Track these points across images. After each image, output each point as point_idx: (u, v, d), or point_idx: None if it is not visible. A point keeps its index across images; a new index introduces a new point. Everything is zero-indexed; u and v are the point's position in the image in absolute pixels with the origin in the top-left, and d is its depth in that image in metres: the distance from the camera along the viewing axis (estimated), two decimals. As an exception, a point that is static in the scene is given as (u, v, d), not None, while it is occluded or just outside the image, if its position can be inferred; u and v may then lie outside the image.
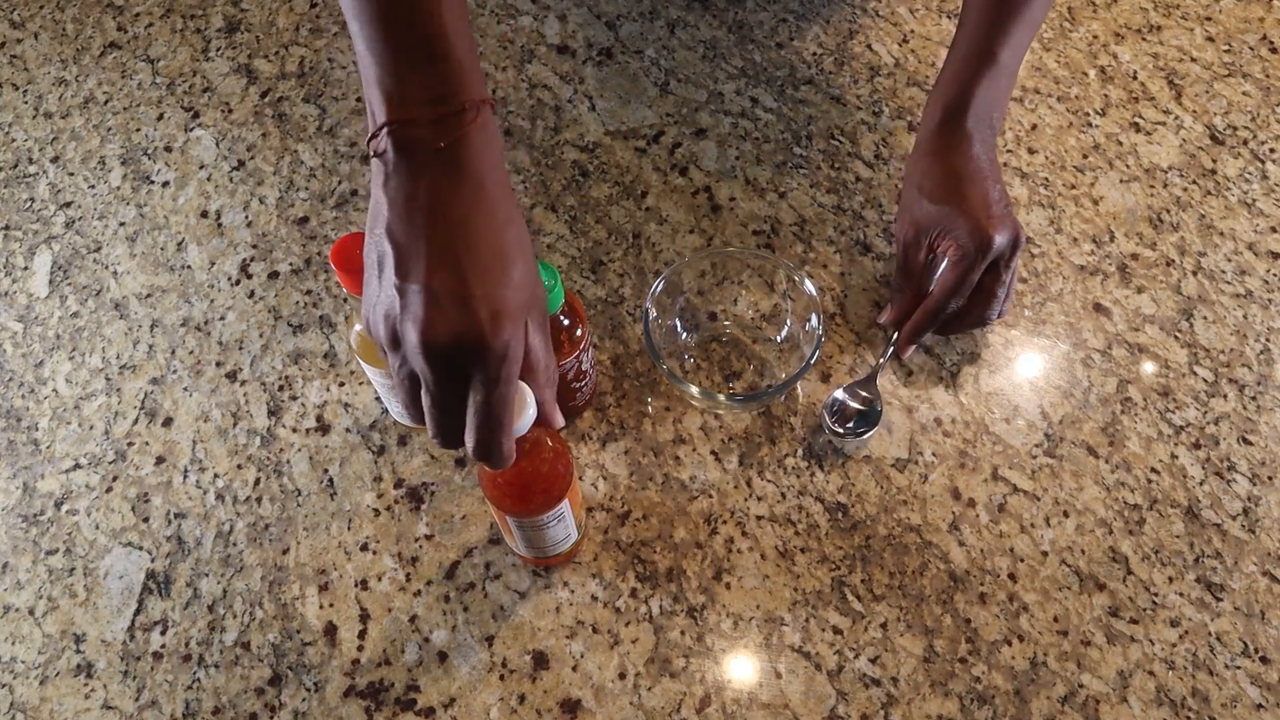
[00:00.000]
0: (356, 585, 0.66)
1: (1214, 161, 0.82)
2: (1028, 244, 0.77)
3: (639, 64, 0.88)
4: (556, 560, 0.64)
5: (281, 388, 0.73)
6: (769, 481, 0.68)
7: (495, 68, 0.88)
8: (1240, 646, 0.63)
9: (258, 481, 0.70)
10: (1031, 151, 0.82)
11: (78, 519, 0.69)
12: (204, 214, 0.82)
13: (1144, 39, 0.89)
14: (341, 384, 0.73)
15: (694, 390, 0.65)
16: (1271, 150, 0.82)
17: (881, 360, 0.71)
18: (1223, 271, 0.76)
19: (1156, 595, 0.65)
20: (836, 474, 0.69)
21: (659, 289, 0.68)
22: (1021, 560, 0.66)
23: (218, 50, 0.91)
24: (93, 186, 0.84)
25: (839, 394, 0.70)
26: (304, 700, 0.63)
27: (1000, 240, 0.65)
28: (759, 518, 0.67)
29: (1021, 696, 0.62)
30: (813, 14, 0.91)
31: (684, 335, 0.73)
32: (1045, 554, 0.66)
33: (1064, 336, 0.74)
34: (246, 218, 0.81)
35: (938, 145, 0.70)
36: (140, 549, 0.68)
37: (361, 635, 0.64)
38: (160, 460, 0.71)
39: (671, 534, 0.67)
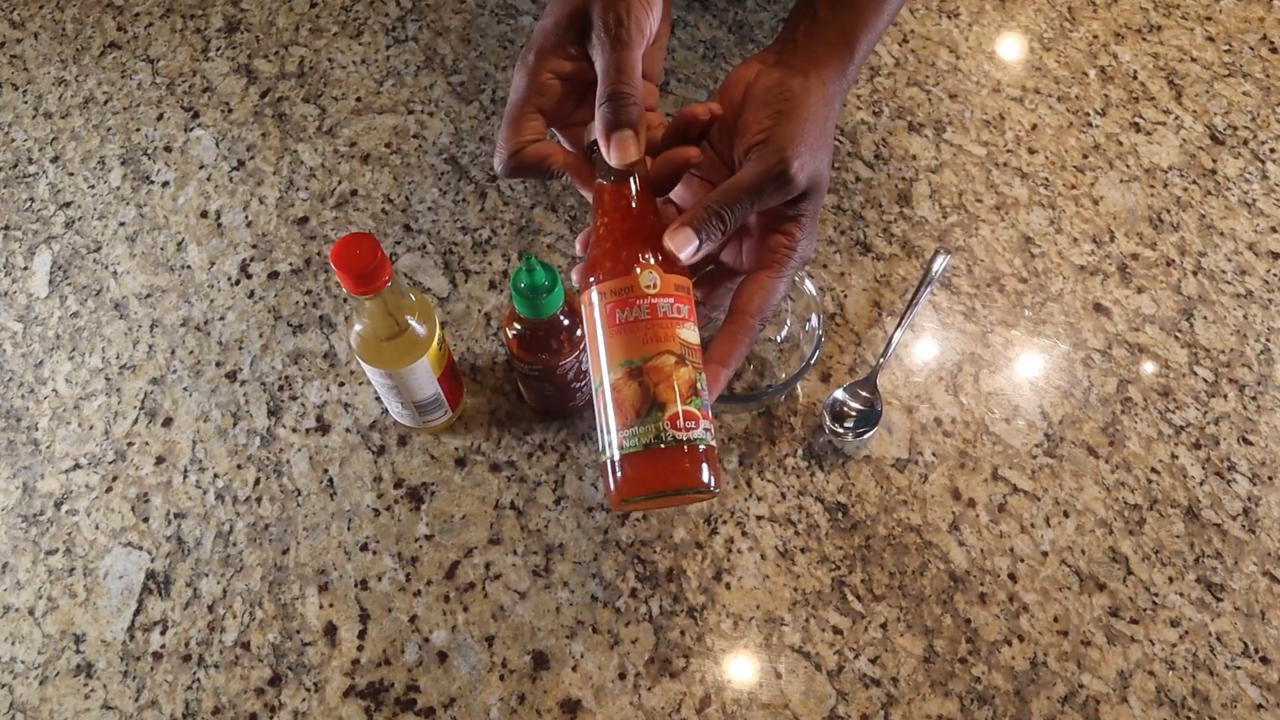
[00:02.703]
0: (356, 585, 0.66)
1: (1214, 161, 0.82)
2: (1027, 244, 0.77)
3: (639, 64, 0.88)
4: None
5: (281, 388, 0.73)
6: (769, 481, 0.68)
7: (495, 68, 0.88)
8: (1240, 647, 0.63)
9: (258, 481, 0.70)
10: (1031, 151, 0.82)
11: (78, 519, 0.69)
12: (204, 214, 0.82)
13: (1144, 39, 0.89)
14: (341, 384, 0.73)
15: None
16: (1271, 150, 0.82)
17: (881, 360, 0.71)
18: (1223, 271, 0.76)
19: (1156, 595, 0.65)
20: (836, 474, 0.69)
21: (659, 289, 0.68)
22: (1021, 560, 0.66)
23: (218, 50, 0.91)
24: (92, 186, 0.84)
25: (839, 394, 0.70)
26: (304, 700, 0.63)
27: (801, 179, 0.52)
28: (759, 518, 0.67)
29: (1021, 696, 0.62)
30: (813, 14, 0.91)
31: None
32: (1045, 554, 0.66)
33: (1064, 336, 0.74)
34: (246, 218, 0.81)
35: (807, 67, 0.55)
36: (140, 549, 0.68)
37: (361, 635, 0.64)
38: (160, 460, 0.71)
39: (671, 534, 0.67)
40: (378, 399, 0.72)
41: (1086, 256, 0.77)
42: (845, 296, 0.75)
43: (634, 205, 0.52)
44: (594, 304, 0.51)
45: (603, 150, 0.51)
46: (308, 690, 0.63)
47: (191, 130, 0.87)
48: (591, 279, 0.51)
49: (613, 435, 0.49)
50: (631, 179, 0.52)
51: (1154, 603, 0.64)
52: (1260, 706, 0.61)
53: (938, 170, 0.81)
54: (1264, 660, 0.63)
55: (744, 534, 0.67)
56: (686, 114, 0.54)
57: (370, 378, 0.64)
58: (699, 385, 0.50)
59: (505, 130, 0.53)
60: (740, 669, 0.63)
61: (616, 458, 0.49)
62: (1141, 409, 0.71)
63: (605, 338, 0.50)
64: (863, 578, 0.65)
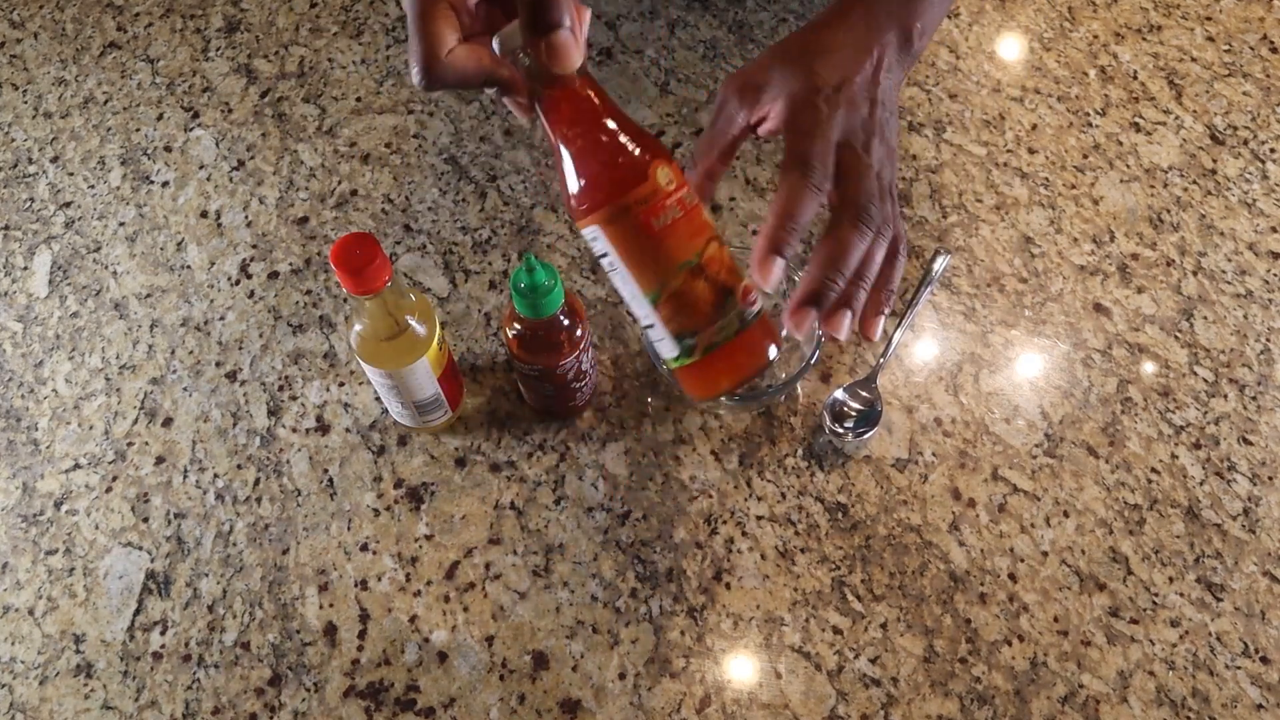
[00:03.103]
0: (356, 585, 0.66)
1: (1214, 161, 0.82)
2: (1027, 244, 0.77)
3: (639, 64, 0.88)
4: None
5: (281, 388, 0.73)
6: (769, 481, 0.68)
7: (495, 68, 0.88)
8: (1240, 647, 0.63)
9: (257, 481, 0.70)
10: (1031, 151, 0.82)
11: (77, 519, 0.69)
12: (204, 214, 0.82)
13: (1144, 39, 0.89)
14: (341, 384, 0.73)
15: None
16: (1272, 150, 0.82)
17: (881, 360, 0.71)
18: (1223, 271, 0.76)
19: (1157, 595, 0.65)
20: (836, 474, 0.69)
21: (659, 289, 0.68)
22: (1021, 560, 0.66)
23: (217, 50, 0.91)
24: (92, 186, 0.84)
25: (839, 394, 0.70)
26: (304, 700, 0.63)
27: (840, 115, 0.52)
28: (759, 518, 0.67)
29: (1021, 696, 0.62)
30: (812, 14, 0.91)
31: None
32: (1045, 554, 0.66)
33: (1064, 336, 0.74)
34: (246, 218, 0.81)
35: (820, 21, 0.57)
36: (140, 549, 0.68)
37: (361, 635, 0.64)
38: (160, 460, 0.71)
39: (671, 534, 0.67)
40: (378, 399, 0.72)
41: (1086, 256, 0.77)
42: (845, 296, 0.75)
43: (600, 105, 0.47)
44: (617, 223, 0.47)
45: (540, 56, 0.45)
46: (308, 690, 0.63)
47: (191, 130, 0.87)
48: (598, 198, 0.46)
49: (693, 339, 0.48)
50: (579, 80, 0.46)
51: (1154, 603, 0.64)
52: (1260, 706, 0.61)
53: (938, 170, 0.81)
54: (1264, 660, 0.63)
55: (744, 534, 0.67)
56: None
57: (370, 378, 0.64)
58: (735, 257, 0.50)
59: (417, 35, 0.45)
60: (740, 669, 0.63)
61: (702, 358, 0.49)
62: (1141, 409, 0.71)
63: (650, 250, 0.47)
64: (863, 578, 0.65)
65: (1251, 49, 0.88)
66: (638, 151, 0.47)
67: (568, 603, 0.65)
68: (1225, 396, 0.71)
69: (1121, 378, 0.72)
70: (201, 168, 0.84)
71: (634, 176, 0.46)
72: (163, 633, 0.65)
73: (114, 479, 0.70)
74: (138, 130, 0.87)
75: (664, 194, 0.47)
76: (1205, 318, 0.75)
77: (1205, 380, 0.72)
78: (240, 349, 0.75)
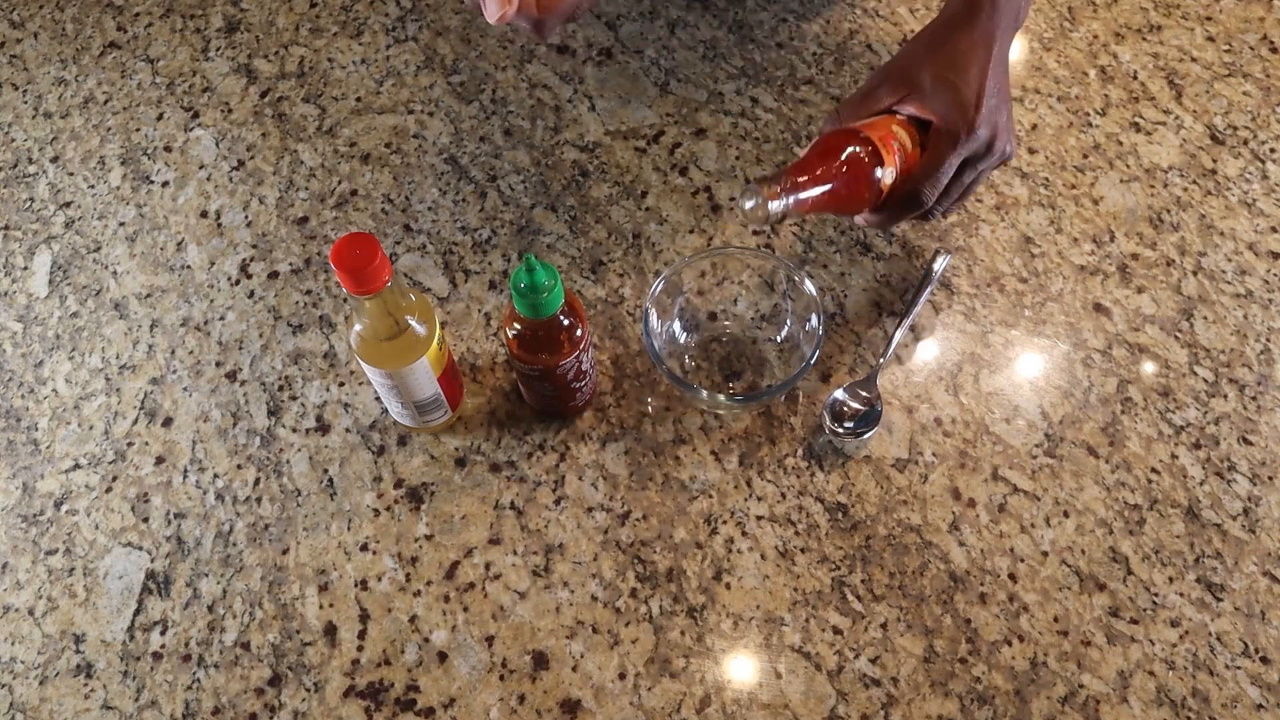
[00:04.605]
0: (356, 585, 0.66)
1: (1214, 161, 0.82)
2: (1027, 244, 0.77)
3: (639, 64, 0.88)
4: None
5: (281, 388, 0.73)
6: (769, 481, 0.68)
7: (495, 67, 0.88)
8: (1240, 647, 0.63)
9: (257, 481, 0.70)
10: (1031, 151, 0.82)
11: (77, 519, 0.69)
12: (204, 214, 0.82)
13: (1144, 39, 0.89)
14: (341, 384, 0.73)
15: (694, 391, 0.65)
16: (1272, 150, 0.82)
17: (881, 360, 0.71)
18: (1223, 271, 0.76)
19: (1157, 595, 0.65)
20: (836, 474, 0.69)
21: (659, 289, 0.68)
22: (1021, 560, 0.66)
23: (217, 50, 0.91)
24: (92, 186, 0.84)
25: (839, 394, 0.70)
26: (304, 700, 0.63)
27: (982, 133, 0.65)
28: (759, 518, 0.67)
29: (1021, 696, 0.62)
30: (813, 14, 0.91)
31: (684, 335, 0.73)
32: (1045, 554, 0.66)
33: (1064, 336, 0.74)
34: (246, 218, 0.81)
35: (956, 21, 0.68)
36: (140, 549, 0.68)
37: (361, 635, 0.64)
38: (160, 460, 0.71)
39: (671, 534, 0.67)
40: (378, 399, 0.72)
41: (1086, 256, 0.77)
42: (845, 296, 0.75)
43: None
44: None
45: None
46: (308, 690, 0.63)
47: (191, 130, 0.87)
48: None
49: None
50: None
51: (1154, 603, 0.64)
52: (1260, 706, 0.61)
53: (938, 170, 0.81)
54: (1264, 660, 0.63)
55: (744, 534, 0.67)
56: None
57: (370, 378, 0.64)
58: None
59: None
60: (740, 669, 0.63)
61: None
62: (1141, 409, 0.71)
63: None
64: (863, 578, 0.65)
65: (1251, 49, 0.88)
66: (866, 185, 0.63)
67: (568, 603, 0.65)
68: (1225, 396, 0.71)
69: (1121, 378, 0.72)
70: (201, 168, 0.84)
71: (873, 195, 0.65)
72: (163, 633, 0.65)
73: (114, 479, 0.70)
74: (138, 130, 0.87)
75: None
76: (1205, 318, 0.75)
77: (1205, 380, 0.72)
78: (240, 349, 0.75)
